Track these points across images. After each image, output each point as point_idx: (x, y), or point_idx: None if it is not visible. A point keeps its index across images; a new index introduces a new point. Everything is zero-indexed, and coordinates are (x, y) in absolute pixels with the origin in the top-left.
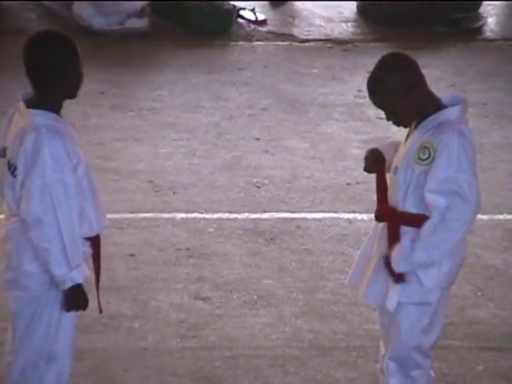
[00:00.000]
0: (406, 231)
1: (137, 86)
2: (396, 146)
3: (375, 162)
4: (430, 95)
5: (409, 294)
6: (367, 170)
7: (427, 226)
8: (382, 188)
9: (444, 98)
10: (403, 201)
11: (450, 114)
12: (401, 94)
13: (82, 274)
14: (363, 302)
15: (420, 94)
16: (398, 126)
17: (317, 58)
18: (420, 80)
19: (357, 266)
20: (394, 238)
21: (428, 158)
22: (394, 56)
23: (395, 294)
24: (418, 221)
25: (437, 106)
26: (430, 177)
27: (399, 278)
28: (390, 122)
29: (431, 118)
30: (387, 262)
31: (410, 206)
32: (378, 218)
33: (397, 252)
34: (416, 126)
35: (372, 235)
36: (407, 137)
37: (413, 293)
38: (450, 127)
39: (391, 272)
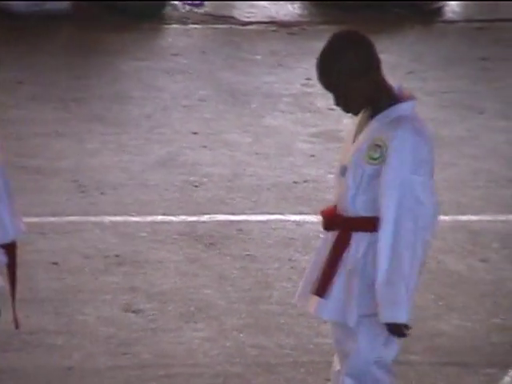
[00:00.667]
0: (358, 238)
1: (59, 73)
2: None
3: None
4: (384, 83)
5: (367, 305)
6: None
7: (382, 251)
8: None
9: (394, 88)
10: (353, 204)
11: (405, 109)
12: (354, 76)
13: None
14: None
15: (375, 80)
16: (347, 112)
17: (260, 43)
18: (376, 64)
19: (307, 279)
20: (344, 246)
21: (380, 156)
22: (350, 33)
23: (355, 308)
24: (370, 225)
25: (390, 96)
26: (381, 179)
27: (399, 331)
28: (342, 114)
29: (386, 112)
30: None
31: (361, 210)
32: (326, 227)
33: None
34: (367, 121)
35: (322, 244)
36: (355, 133)
37: (371, 303)
38: (404, 123)
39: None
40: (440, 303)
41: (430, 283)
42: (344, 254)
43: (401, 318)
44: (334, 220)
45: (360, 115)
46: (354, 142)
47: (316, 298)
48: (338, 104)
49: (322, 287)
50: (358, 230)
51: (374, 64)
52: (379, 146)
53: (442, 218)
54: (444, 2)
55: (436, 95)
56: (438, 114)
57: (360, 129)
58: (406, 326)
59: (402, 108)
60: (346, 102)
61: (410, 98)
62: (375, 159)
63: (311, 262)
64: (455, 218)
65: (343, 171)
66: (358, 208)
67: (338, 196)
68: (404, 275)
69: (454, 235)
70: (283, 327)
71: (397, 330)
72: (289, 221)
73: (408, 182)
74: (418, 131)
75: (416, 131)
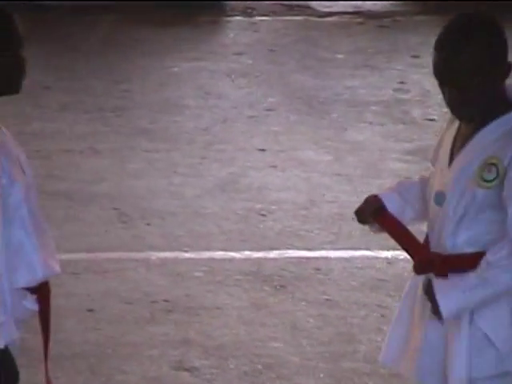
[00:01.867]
0: (457, 280)
1: (95, 77)
2: (421, 183)
3: (371, 212)
4: (504, 86)
5: (480, 366)
6: (361, 221)
7: (502, 247)
8: (403, 234)
9: (507, 89)
10: (453, 239)
11: None
12: (484, 69)
13: (3, 337)
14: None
15: (500, 76)
16: (459, 116)
17: (342, 39)
18: (505, 56)
19: (394, 334)
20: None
21: (495, 178)
22: (483, 15)
23: (462, 368)
24: (474, 262)
25: (505, 102)
26: (508, 196)
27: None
28: (442, 126)
29: (498, 121)
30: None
31: (464, 245)
32: (419, 271)
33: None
34: (470, 133)
35: (410, 291)
36: (452, 149)
37: (485, 362)
38: None
39: (433, 303)
40: None
41: None
42: None
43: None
44: (429, 260)
45: (454, 125)
46: (451, 161)
47: (410, 355)
48: (450, 102)
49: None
50: (458, 269)
51: (503, 57)
52: (494, 165)
53: None
54: None
55: None
56: None
57: (459, 144)
58: None
59: None
60: (464, 101)
61: None
62: (490, 181)
63: (397, 312)
64: None
65: (440, 199)
66: (460, 243)
67: (433, 230)
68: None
69: None
70: None
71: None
72: (378, 258)
73: None
74: None
75: None
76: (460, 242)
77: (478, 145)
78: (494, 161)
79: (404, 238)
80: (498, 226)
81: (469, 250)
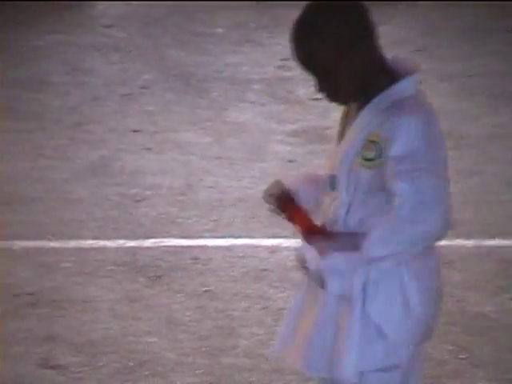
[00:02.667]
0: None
1: None
2: (316, 181)
3: (282, 200)
4: (382, 59)
5: (368, 359)
6: (275, 211)
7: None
8: (301, 217)
9: (389, 61)
10: (346, 223)
11: (405, 88)
12: (342, 50)
13: None
14: (301, 371)
15: (369, 55)
16: (333, 101)
17: (221, 12)
18: (371, 33)
19: (289, 327)
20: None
21: (376, 156)
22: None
23: (352, 360)
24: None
25: (388, 76)
26: (387, 167)
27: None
28: (329, 106)
29: (380, 96)
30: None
31: (355, 228)
32: (308, 236)
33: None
34: (358, 111)
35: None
36: (342, 130)
37: (373, 355)
38: (406, 107)
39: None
40: (461, 356)
41: (448, 329)
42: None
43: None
44: (315, 229)
45: (348, 106)
46: (340, 142)
47: (300, 347)
48: (321, 90)
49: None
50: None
51: (367, 33)
52: (374, 143)
53: (463, 242)
54: None
55: (455, 80)
56: (457, 105)
57: (348, 122)
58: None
59: (401, 87)
60: (332, 87)
61: (411, 71)
62: (370, 160)
63: (293, 303)
64: (480, 242)
65: (332, 183)
66: (352, 228)
67: (328, 215)
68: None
69: (480, 266)
70: None
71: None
72: (260, 246)
73: (417, 177)
74: (428, 114)
75: (425, 114)
76: (352, 226)
77: (361, 123)
78: (374, 138)
79: (300, 220)
80: (388, 208)
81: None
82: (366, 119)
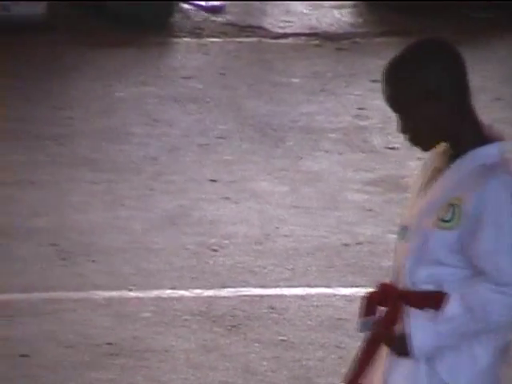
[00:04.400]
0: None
1: (32, 103)
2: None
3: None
4: (473, 114)
5: None
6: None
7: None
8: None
9: (482, 123)
10: (413, 276)
11: (492, 154)
12: (431, 97)
13: None
14: None
15: (459, 107)
16: (415, 144)
17: (298, 62)
18: (464, 86)
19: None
20: (393, 323)
21: (452, 219)
22: (436, 41)
23: None
24: (431, 301)
25: (476, 134)
26: (473, 252)
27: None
28: (406, 155)
29: (465, 157)
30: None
31: (424, 283)
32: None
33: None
34: (444, 166)
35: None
36: (425, 182)
37: None
38: (492, 176)
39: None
40: None
41: None
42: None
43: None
44: (386, 294)
45: (434, 156)
46: (420, 195)
47: None
48: (404, 131)
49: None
50: (417, 305)
51: (461, 86)
52: (454, 205)
53: None
54: None
55: None
56: None
57: (432, 176)
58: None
59: (488, 153)
60: (415, 130)
61: (499, 138)
62: (446, 221)
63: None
64: None
65: (403, 233)
66: (418, 282)
67: (396, 264)
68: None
69: None
70: None
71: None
72: (337, 295)
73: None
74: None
75: (510, 185)
76: (420, 279)
77: (444, 183)
78: (454, 201)
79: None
80: (460, 270)
81: (426, 287)
82: (452, 180)
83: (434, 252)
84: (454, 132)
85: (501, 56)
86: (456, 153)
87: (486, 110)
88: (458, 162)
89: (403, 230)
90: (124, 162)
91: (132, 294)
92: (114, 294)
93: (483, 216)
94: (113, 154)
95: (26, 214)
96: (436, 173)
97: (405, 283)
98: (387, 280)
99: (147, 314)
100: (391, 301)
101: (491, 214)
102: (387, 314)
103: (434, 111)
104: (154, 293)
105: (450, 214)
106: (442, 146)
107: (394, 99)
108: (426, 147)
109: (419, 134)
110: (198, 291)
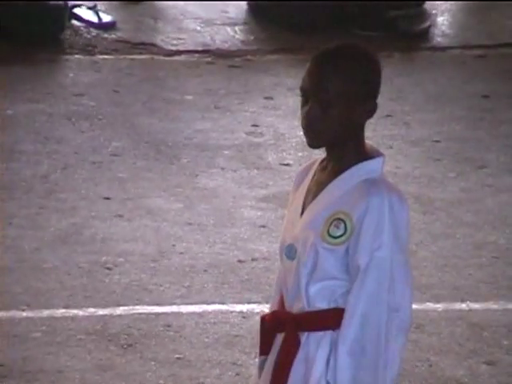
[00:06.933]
0: (316, 341)
1: None
2: None
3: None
4: (361, 127)
5: None
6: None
7: (342, 355)
8: None
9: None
10: (306, 293)
11: (374, 169)
12: (356, 97)
13: None
14: None
15: (364, 114)
16: (310, 137)
17: (191, 79)
18: (375, 95)
19: None
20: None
21: (343, 234)
22: (364, 47)
23: None
24: (330, 320)
25: (359, 147)
26: (351, 262)
27: None
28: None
29: (349, 172)
30: None
31: (317, 298)
32: (272, 329)
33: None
34: (326, 181)
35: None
36: (305, 197)
37: None
38: (376, 190)
39: None
40: None
41: None
42: (295, 366)
43: None
44: (281, 318)
45: (310, 172)
46: (302, 212)
47: None
48: (308, 116)
49: None
50: (314, 328)
51: (374, 99)
52: (342, 221)
53: (433, 306)
54: (430, 22)
55: (423, 145)
56: (425, 170)
57: (312, 193)
58: None
59: (371, 168)
60: (320, 124)
61: (377, 153)
62: (337, 238)
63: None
64: (450, 306)
65: (291, 253)
66: (312, 298)
67: (287, 286)
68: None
69: (451, 329)
70: None
71: None
72: (233, 312)
73: (387, 266)
74: (397, 199)
75: (394, 199)
76: (312, 294)
77: (328, 197)
78: (342, 216)
79: None
80: (350, 283)
81: (323, 304)
82: (334, 195)
83: (327, 268)
84: (351, 141)
85: (389, 73)
86: (339, 168)
87: (377, 126)
88: (342, 176)
89: (290, 249)
90: (15, 180)
91: (23, 313)
92: (4, 314)
93: (363, 227)
94: (4, 172)
95: None
96: (317, 188)
97: (301, 302)
98: (275, 303)
99: (38, 334)
100: (287, 327)
101: (371, 225)
102: (284, 342)
103: (350, 110)
104: (46, 312)
105: (341, 229)
106: (318, 161)
107: (320, 86)
108: (317, 144)
109: (322, 129)
110: (91, 310)
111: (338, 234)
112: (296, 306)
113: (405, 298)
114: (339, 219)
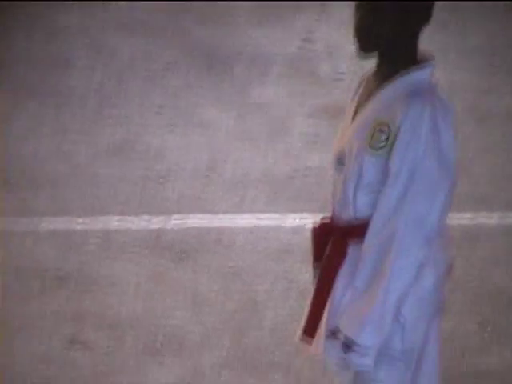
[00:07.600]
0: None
1: None
2: None
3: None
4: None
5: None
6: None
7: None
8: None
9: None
10: (354, 203)
11: (421, 79)
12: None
13: None
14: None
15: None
16: (362, 43)
17: None
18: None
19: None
20: (340, 259)
21: (385, 145)
22: None
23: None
24: None
25: (411, 55)
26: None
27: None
28: (351, 82)
29: (396, 81)
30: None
31: (363, 208)
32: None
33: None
34: (375, 90)
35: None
36: (357, 106)
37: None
38: (418, 100)
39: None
40: (486, 333)
41: (473, 305)
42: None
43: (363, 339)
44: (329, 227)
45: (365, 81)
46: (353, 119)
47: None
48: (360, 20)
49: (310, 324)
50: (360, 236)
51: (431, 5)
52: (385, 129)
53: (487, 217)
54: None
55: (476, 51)
56: (481, 82)
57: (362, 102)
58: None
59: (418, 77)
60: (372, 28)
61: (428, 58)
62: (379, 146)
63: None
64: (505, 217)
65: (339, 161)
66: (359, 208)
67: (336, 195)
68: (388, 288)
69: (505, 241)
70: (278, 366)
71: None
72: (284, 225)
73: (418, 174)
74: (440, 107)
75: (436, 107)
76: (359, 204)
77: (374, 106)
78: (384, 124)
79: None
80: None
81: (369, 213)
82: (380, 103)
83: (370, 177)
84: (400, 52)
85: None
86: (388, 75)
87: (432, 36)
88: (390, 85)
89: (339, 158)
90: (68, 89)
91: (77, 223)
92: (59, 223)
93: (400, 133)
94: (55, 80)
95: None
96: (367, 97)
97: (349, 211)
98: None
99: (93, 244)
100: (334, 235)
101: (407, 132)
102: (330, 250)
103: (406, 19)
104: (100, 223)
105: (383, 137)
106: (372, 69)
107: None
108: (369, 49)
109: (376, 32)
110: (145, 221)
111: (381, 142)
112: (344, 215)
113: (431, 211)
114: (382, 127)
